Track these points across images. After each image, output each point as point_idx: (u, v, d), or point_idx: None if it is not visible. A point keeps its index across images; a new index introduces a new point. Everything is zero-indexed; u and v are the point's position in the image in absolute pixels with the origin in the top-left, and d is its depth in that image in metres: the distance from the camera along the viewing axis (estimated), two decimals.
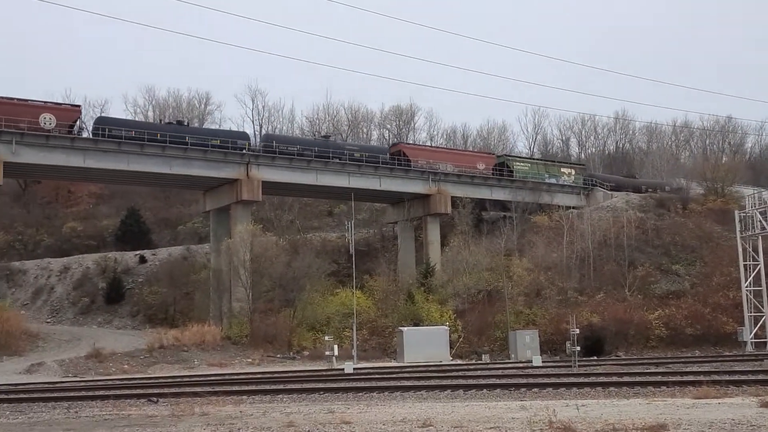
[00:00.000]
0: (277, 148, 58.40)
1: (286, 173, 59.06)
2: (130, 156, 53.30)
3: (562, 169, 73.58)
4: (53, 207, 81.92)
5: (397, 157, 64.43)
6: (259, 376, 35.47)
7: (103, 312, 64.82)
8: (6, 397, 26.94)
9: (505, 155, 75.00)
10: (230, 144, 57.14)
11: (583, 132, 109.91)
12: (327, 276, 57.76)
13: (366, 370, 36.85)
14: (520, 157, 78.13)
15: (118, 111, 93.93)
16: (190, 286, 62.88)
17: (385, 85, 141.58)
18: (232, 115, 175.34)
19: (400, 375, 32.43)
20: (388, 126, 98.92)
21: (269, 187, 59.23)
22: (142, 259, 69.45)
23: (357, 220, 61.78)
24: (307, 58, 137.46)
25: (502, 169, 69.32)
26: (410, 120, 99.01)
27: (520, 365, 39.26)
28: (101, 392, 27.22)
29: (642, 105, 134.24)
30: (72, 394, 26.92)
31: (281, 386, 27.75)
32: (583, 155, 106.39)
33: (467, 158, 69.63)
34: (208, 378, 34.61)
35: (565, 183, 71.83)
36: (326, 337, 46.24)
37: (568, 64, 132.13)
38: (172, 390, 26.90)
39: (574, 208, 68.60)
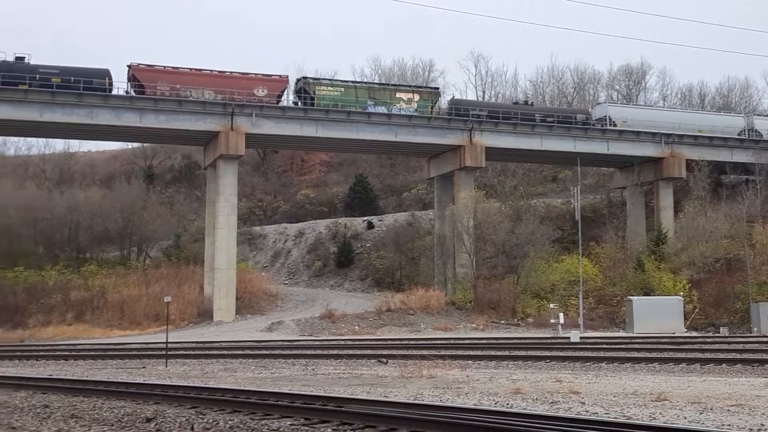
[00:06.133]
0: None
1: (510, 138, 58.47)
2: (358, 125, 55.21)
3: (398, 95, 57.47)
4: (288, 175, 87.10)
5: (132, 82, 52.11)
6: (483, 341, 35.73)
7: (335, 275, 68.14)
8: (251, 352, 29.23)
9: (305, 78, 57.25)
10: (453, 110, 57.63)
11: None
12: (551, 243, 56.85)
13: (593, 340, 35.99)
14: (327, 80, 59.96)
15: None
16: (415, 252, 64.43)
17: (614, 45, 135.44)
18: (455, 81, 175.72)
19: (630, 346, 31.28)
20: (617, 87, 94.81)
21: (492, 153, 58.95)
22: (370, 225, 72.03)
23: (583, 186, 60.06)
24: (531, 20, 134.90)
25: (301, 95, 55.26)
26: (641, 80, 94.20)
27: (765, 339, 36.54)
28: (335, 351, 28.73)
29: None
30: (309, 352, 28.67)
31: (506, 353, 27.75)
32: None
33: (238, 82, 53.60)
34: (434, 342, 35.36)
35: (404, 112, 56.25)
36: (551, 305, 45.73)
37: None
38: (401, 352, 27.76)
39: None
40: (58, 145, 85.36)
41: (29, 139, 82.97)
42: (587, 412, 12.49)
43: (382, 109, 55.74)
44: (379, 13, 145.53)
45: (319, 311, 50.23)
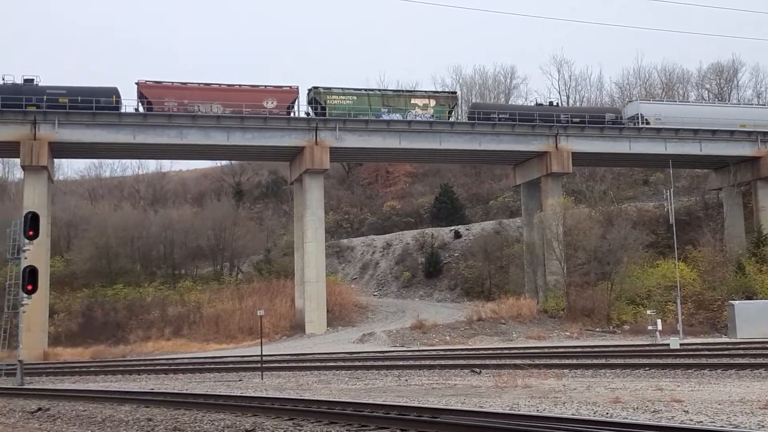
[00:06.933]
0: None
1: (597, 143, 57.33)
2: (441, 135, 55.12)
3: (413, 101, 56.14)
4: (374, 187, 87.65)
5: (140, 99, 51.51)
6: (578, 349, 35.05)
7: (424, 285, 68.04)
8: (344, 364, 29.44)
9: (315, 87, 54.98)
10: (537, 117, 56.91)
11: None
12: (645, 247, 55.31)
13: (694, 346, 34.83)
14: (339, 89, 56.29)
15: None
16: (504, 260, 63.72)
17: (704, 42, 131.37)
18: (538, 87, 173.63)
19: (734, 352, 30.15)
20: (707, 86, 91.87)
21: (579, 158, 57.92)
22: (457, 234, 71.71)
23: (676, 188, 58.25)
24: (614, 22, 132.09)
25: (312, 105, 54.30)
26: (732, 77, 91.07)
27: None
28: (427, 362, 28.66)
29: None
30: (401, 363, 28.67)
31: (603, 361, 27.16)
32: None
33: (247, 95, 53.13)
34: (528, 351, 34.87)
35: (420, 118, 54.84)
36: (648, 311, 44.53)
37: None
38: (494, 362, 27.52)
39: None
40: (151, 165, 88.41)
41: (124, 160, 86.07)
42: (692, 421, 12.11)
43: (397, 116, 55.30)
44: (460, 22, 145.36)
45: (410, 322, 50.21)
